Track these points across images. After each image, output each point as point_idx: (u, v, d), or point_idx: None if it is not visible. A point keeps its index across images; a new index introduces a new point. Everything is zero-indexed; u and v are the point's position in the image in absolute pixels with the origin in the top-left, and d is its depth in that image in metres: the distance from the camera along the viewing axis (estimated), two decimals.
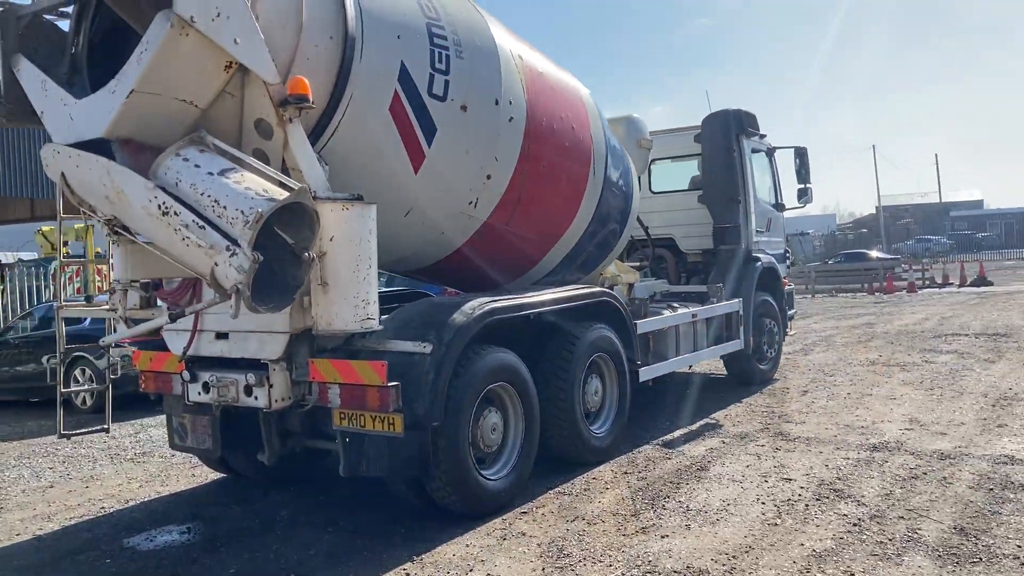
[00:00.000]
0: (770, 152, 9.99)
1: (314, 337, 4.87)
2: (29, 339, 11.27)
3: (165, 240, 4.10)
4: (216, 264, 3.94)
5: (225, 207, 3.95)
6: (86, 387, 6.15)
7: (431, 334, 4.94)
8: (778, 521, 4.80)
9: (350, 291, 4.54)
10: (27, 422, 9.76)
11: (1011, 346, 11.37)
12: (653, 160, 9.36)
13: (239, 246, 3.89)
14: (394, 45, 5.06)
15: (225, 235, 3.94)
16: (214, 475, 6.46)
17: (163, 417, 9.14)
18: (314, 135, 4.80)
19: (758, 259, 9.23)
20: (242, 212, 3.92)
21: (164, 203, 4.01)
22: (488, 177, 5.73)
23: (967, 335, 12.87)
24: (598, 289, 6.64)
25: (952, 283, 25.98)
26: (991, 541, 4.34)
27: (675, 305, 7.96)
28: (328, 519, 5.27)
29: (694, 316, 7.87)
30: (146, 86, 4.14)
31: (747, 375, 9.19)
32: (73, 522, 5.55)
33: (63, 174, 4.28)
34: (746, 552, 4.35)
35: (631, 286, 8.01)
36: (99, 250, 20.45)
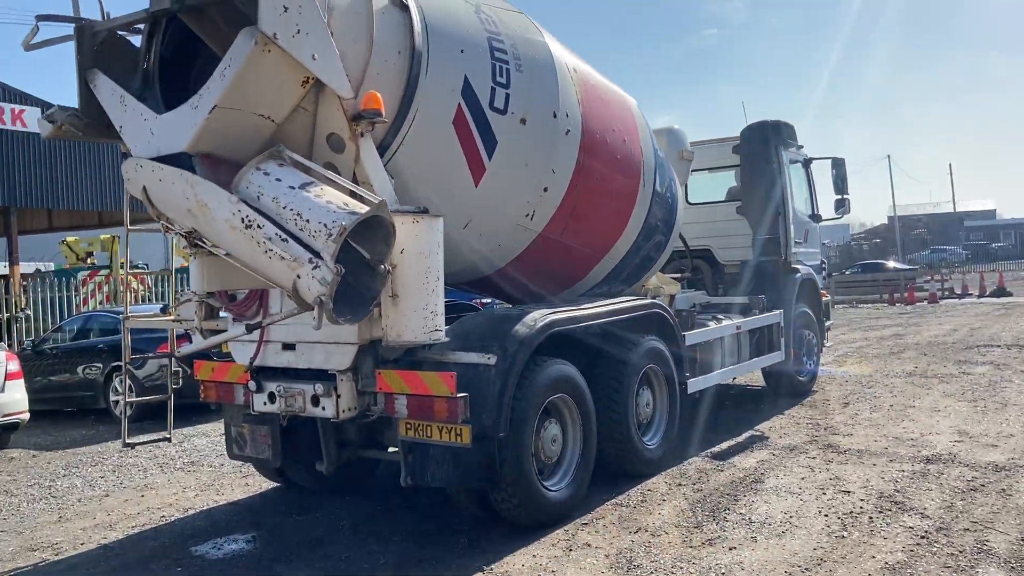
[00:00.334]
0: (806, 162, 10.01)
1: (377, 348, 4.93)
2: (66, 349, 11.38)
3: (247, 252, 4.17)
4: (298, 276, 4.00)
5: (308, 220, 4.02)
6: (150, 398, 6.21)
7: (494, 346, 4.98)
8: (845, 534, 4.80)
9: (419, 303, 4.60)
10: (68, 432, 9.85)
11: None
12: (691, 171, 9.38)
13: (321, 259, 3.95)
14: (458, 59, 5.12)
15: (308, 248, 4.00)
16: (268, 484, 6.51)
17: (204, 427, 9.28)
18: (381, 149, 4.86)
19: (797, 270, 9.24)
20: (325, 225, 3.98)
21: (247, 216, 4.07)
22: (545, 190, 5.78)
23: (999, 346, 12.80)
24: (649, 300, 6.67)
25: (972, 293, 25.85)
26: None
27: (719, 317, 7.97)
28: (390, 528, 5.30)
29: (738, 328, 7.88)
30: (228, 101, 4.22)
31: (786, 387, 9.17)
32: (136, 531, 5.60)
33: (144, 187, 4.36)
34: (818, 565, 4.36)
35: (672, 298, 8.03)
36: (122, 260, 20.72)
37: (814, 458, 6.55)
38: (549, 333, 5.26)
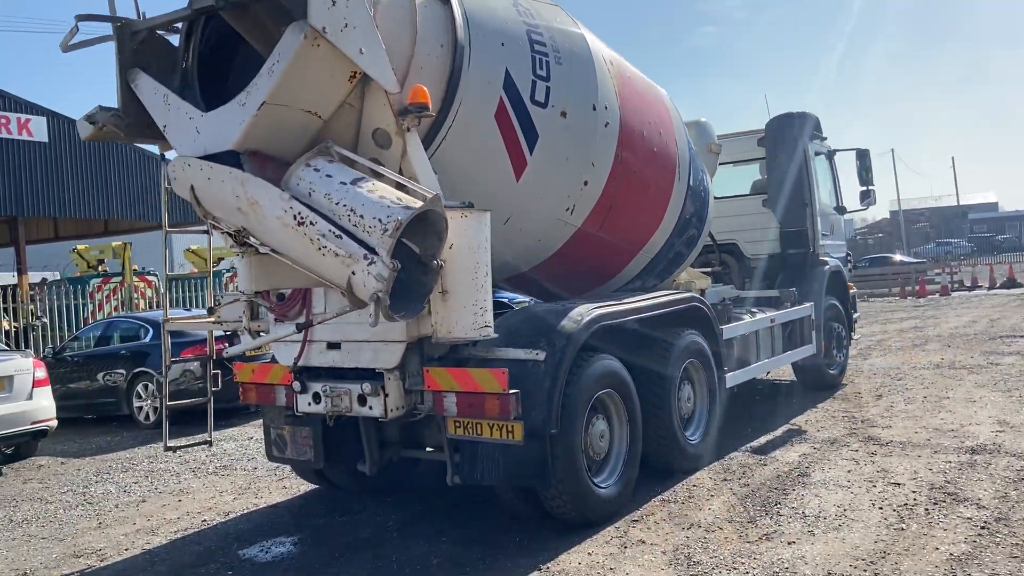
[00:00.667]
0: (830, 154, 9.93)
1: (423, 346, 4.87)
2: (87, 356, 11.31)
3: (299, 250, 4.11)
4: (353, 273, 3.94)
5: (362, 216, 3.96)
6: (189, 401, 6.15)
7: (542, 341, 4.92)
8: (903, 526, 4.73)
9: (469, 298, 4.54)
10: (92, 439, 9.79)
11: None
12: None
13: (377, 255, 3.89)
14: (499, 52, 5.06)
15: (362, 244, 3.94)
16: (305, 486, 6.44)
17: (231, 431, 9.21)
18: (423, 144, 4.80)
19: (826, 262, 9.17)
20: (380, 220, 3.92)
21: (299, 213, 4.01)
22: (585, 183, 5.71)
23: (1023, 337, 12.72)
24: (688, 294, 6.61)
25: (981, 286, 25.73)
26: None
27: (753, 310, 7.90)
28: (437, 529, 5.23)
29: (772, 321, 7.81)
30: (277, 98, 4.16)
31: (817, 380, 9.10)
32: (179, 535, 5.53)
33: (192, 186, 4.29)
34: (882, 558, 4.28)
35: (702, 292, 7.96)
36: (135, 267, 20.70)
37: (857, 451, 6.48)
38: (595, 328, 5.19)
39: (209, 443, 5.74)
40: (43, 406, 8.26)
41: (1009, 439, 6.52)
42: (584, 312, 5.22)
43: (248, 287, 4.83)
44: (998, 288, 24.84)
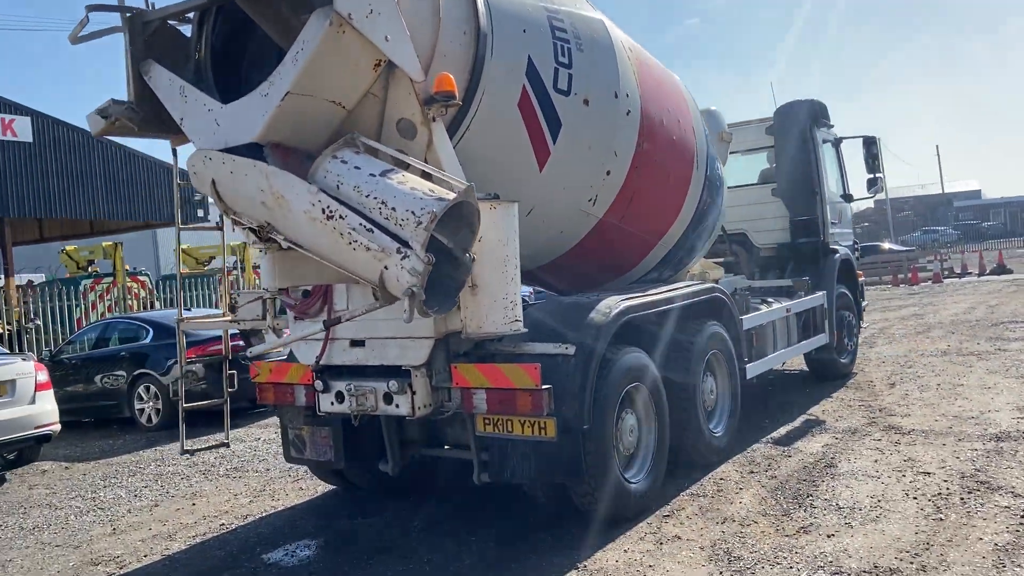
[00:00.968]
0: (837, 142, 9.87)
1: (450, 342, 4.74)
2: (86, 358, 11.08)
3: (327, 245, 3.97)
4: (386, 268, 3.81)
5: (394, 208, 3.82)
6: (205, 403, 5.99)
7: (571, 335, 4.81)
8: (941, 516, 4.66)
9: (499, 292, 4.43)
10: (94, 442, 9.60)
11: None
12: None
13: (411, 248, 3.76)
14: (520, 39, 4.94)
15: (395, 237, 3.81)
16: (323, 488, 6.31)
17: (237, 432, 9.03)
18: (447, 133, 4.67)
19: (836, 251, 9.12)
20: (413, 213, 3.79)
21: (328, 207, 3.88)
22: (608, 173, 5.60)
23: None
24: (710, 285, 6.53)
25: (971, 272, 25.86)
26: None
27: (769, 300, 7.83)
28: (465, 528, 5.12)
29: (788, 311, 7.74)
30: (301, 87, 4.02)
31: (829, 369, 9.05)
32: (198, 540, 5.39)
33: (213, 181, 4.14)
34: (926, 549, 4.21)
35: (716, 282, 7.88)
36: (128, 267, 20.41)
37: (879, 440, 6.42)
38: (624, 320, 5.09)
39: (227, 444, 5.60)
40: (46, 410, 8.07)
41: None
42: (612, 304, 5.11)
43: (272, 284, 4.68)
44: (988, 274, 24.98)
